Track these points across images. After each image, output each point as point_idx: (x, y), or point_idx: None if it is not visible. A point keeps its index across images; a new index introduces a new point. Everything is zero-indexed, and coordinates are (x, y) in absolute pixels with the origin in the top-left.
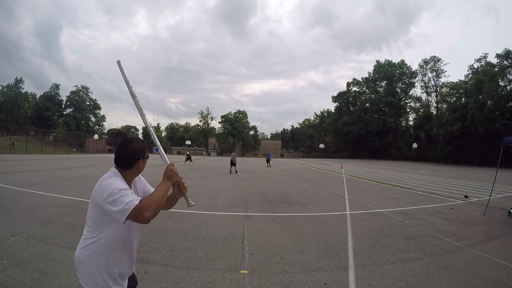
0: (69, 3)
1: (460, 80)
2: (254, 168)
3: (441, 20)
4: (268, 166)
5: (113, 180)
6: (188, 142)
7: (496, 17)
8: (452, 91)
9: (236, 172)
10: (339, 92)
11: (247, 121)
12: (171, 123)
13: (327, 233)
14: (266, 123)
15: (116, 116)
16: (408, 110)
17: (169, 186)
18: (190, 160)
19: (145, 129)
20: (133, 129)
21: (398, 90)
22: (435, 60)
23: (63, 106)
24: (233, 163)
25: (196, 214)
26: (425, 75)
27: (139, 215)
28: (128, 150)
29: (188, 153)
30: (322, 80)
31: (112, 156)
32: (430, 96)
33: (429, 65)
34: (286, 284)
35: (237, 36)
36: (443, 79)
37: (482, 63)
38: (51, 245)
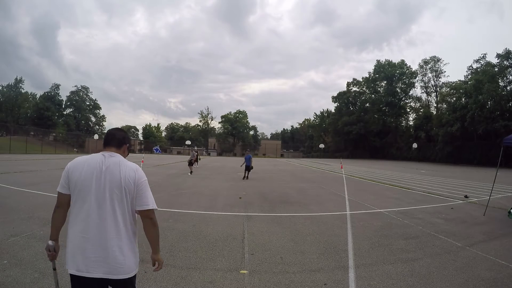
0: (66, 1)
1: (460, 81)
2: (254, 168)
3: (443, 18)
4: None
5: None
6: (188, 142)
7: (501, 15)
8: (452, 91)
9: (191, 172)
10: (339, 92)
11: (247, 121)
12: (171, 123)
13: (327, 233)
14: (266, 123)
15: (116, 116)
16: (408, 110)
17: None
18: (196, 161)
19: (145, 130)
20: (133, 129)
21: (398, 90)
22: (435, 60)
23: (63, 106)
24: (192, 162)
25: (196, 214)
26: (425, 75)
27: None
28: (125, 133)
29: (196, 152)
30: (322, 80)
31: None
32: (430, 96)
33: (429, 65)
34: (286, 284)
35: (236, 34)
36: (443, 79)
37: (481, 63)
38: None
